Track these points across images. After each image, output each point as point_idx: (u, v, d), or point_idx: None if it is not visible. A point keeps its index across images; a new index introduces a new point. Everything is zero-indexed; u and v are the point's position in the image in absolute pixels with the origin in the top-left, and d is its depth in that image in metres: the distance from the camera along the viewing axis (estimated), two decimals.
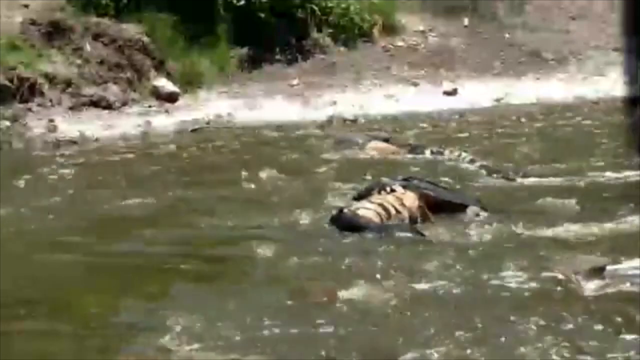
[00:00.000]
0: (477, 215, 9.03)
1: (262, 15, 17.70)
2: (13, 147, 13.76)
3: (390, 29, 19.22)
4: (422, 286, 7.05)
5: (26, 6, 16.73)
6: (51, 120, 14.68)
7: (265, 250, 8.04)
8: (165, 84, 16.32)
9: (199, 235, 8.72)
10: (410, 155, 12.19)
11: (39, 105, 15.03)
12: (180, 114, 15.69)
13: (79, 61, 15.97)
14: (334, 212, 8.79)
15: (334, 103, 16.54)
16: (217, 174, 11.64)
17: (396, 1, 19.61)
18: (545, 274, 7.19)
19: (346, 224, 8.54)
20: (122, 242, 8.61)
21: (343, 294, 6.90)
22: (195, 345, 6.01)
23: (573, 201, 9.36)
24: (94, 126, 14.76)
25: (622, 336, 6.02)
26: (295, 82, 17.34)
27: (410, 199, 8.99)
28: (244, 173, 11.29)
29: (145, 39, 16.56)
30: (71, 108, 15.25)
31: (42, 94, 15.16)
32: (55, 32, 16.12)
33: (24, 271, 7.73)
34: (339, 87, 17.29)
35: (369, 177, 10.33)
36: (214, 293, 6.97)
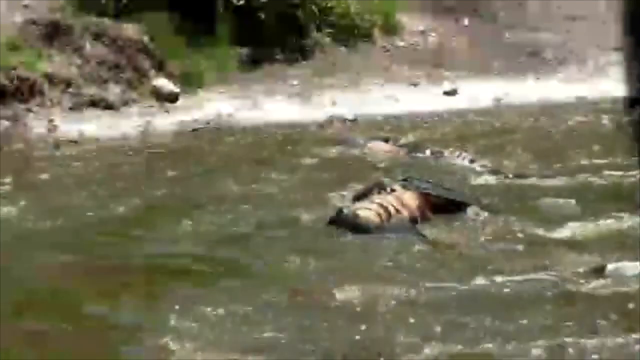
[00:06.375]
0: (477, 215, 9.04)
1: (263, 15, 17.69)
2: (13, 147, 13.75)
3: (391, 29, 19.19)
4: (422, 286, 7.05)
5: (26, 6, 16.72)
6: (51, 121, 14.66)
7: (265, 250, 8.05)
8: (165, 84, 16.30)
9: (199, 234, 8.71)
10: (410, 155, 12.18)
11: (39, 105, 15.01)
12: (180, 114, 15.67)
13: (79, 61, 15.95)
14: (334, 212, 8.79)
15: (334, 103, 16.51)
16: (217, 174, 11.63)
17: (396, 1, 19.59)
18: (545, 274, 7.19)
19: (346, 224, 8.54)
20: (122, 242, 8.61)
21: (343, 294, 6.91)
22: (195, 345, 6.01)
23: (573, 201, 9.36)
24: (94, 126, 14.74)
25: (623, 336, 6.03)
26: (295, 82, 17.33)
27: (410, 199, 9.00)
28: (244, 173, 11.30)
29: (146, 39, 16.53)
30: (71, 108, 15.22)
31: (42, 94, 15.14)
32: (55, 32, 16.09)
33: (24, 271, 7.73)
34: (339, 87, 17.26)
35: (369, 177, 10.32)
36: (214, 293, 6.96)
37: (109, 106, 15.50)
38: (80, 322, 6.58)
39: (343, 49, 18.51)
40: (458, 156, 11.85)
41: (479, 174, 11.06)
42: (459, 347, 5.95)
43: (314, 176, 11.13)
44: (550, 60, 18.75)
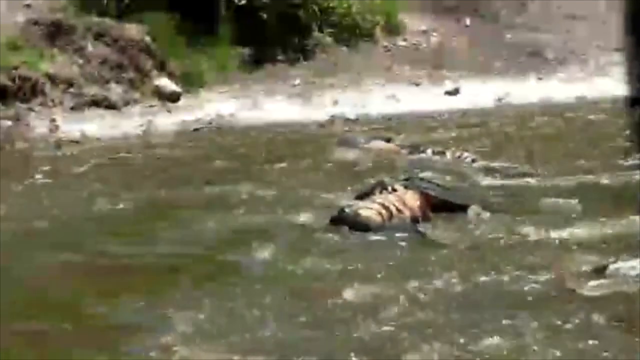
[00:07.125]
0: (478, 215, 9.03)
1: (264, 15, 17.70)
2: (15, 147, 13.76)
3: (392, 29, 19.22)
4: (423, 286, 7.04)
5: (28, 6, 16.74)
6: (53, 120, 14.68)
7: (266, 250, 8.04)
8: (167, 84, 16.32)
9: (200, 234, 8.71)
10: (411, 155, 12.18)
11: (40, 105, 15.03)
12: (182, 113, 15.69)
13: (81, 61, 15.97)
14: (336, 211, 8.79)
15: (336, 103, 16.53)
16: (219, 173, 11.64)
17: (398, 1, 19.61)
18: (546, 273, 7.19)
19: (348, 223, 8.54)
20: (122, 242, 8.61)
21: (344, 293, 6.90)
22: (196, 345, 6.01)
23: (573, 201, 9.36)
24: (96, 126, 14.76)
25: (624, 336, 6.02)
26: (296, 82, 17.34)
27: (412, 199, 9.00)
28: (245, 173, 11.30)
29: (147, 39, 16.55)
30: (73, 108, 15.25)
31: (44, 93, 15.16)
32: (57, 32, 16.12)
33: (25, 271, 7.73)
34: (341, 87, 17.28)
35: (370, 177, 10.32)
36: (215, 293, 6.96)
37: (110, 106, 15.53)
38: (80, 322, 6.58)
39: (344, 49, 18.53)
40: (459, 156, 11.85)
41: (480, 173, 11.06)
42: (460, 346, 5.94)
43: (315, 176, 11.14)
44: (550, 60, 18.77)
